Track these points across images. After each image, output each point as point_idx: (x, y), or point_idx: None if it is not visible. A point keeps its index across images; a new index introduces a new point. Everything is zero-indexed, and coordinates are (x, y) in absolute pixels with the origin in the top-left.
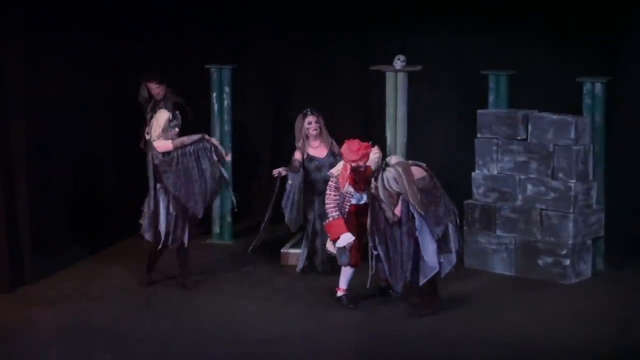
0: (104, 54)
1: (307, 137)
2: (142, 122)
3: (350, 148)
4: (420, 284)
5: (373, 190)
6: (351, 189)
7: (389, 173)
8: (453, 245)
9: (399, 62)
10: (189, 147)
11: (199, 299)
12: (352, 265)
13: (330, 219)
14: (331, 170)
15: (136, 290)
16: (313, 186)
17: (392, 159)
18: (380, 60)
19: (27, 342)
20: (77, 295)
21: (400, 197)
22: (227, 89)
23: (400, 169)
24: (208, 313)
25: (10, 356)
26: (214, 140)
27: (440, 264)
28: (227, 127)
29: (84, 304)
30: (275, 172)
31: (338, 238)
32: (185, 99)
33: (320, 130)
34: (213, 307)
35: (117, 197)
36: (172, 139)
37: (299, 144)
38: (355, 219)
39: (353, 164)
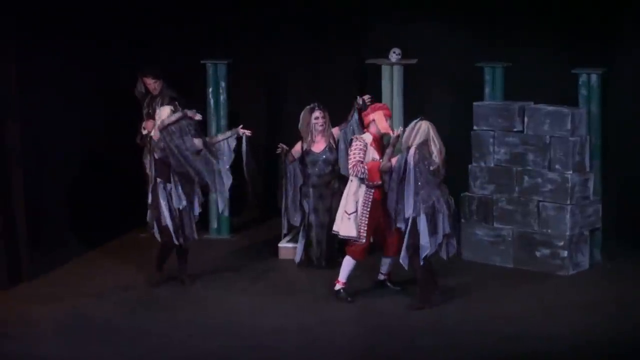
0: (99, 50)
1: (312, 131)
2: (139, 117)
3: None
4: (406, 263)
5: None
6: (377, 156)
7: (424, 124)
8: (441, 228)
9: (394, 55)
10: (171, 126)
11: (197, 293)
12: (355, 258)
13: (365, 170)
14: (355, 135)
15: (134, 286)
16: (308, 179)
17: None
18: (375, 54)
19: (25, 339)
20: (75, 292)
21: (404, 155)
22: (222, 84)
23: (433, 128)
24: (206, 307)
25: (8, 353)
26: (198, 116)
27: (429, 243)
28: (223, 122)
29: (82, 300)
30: (280, 148)
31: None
32: (181, 94)
33: (325, 125)
34: (211, 302)
35: (113, 193)
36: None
37: (307, 138)
38: (378, 209)
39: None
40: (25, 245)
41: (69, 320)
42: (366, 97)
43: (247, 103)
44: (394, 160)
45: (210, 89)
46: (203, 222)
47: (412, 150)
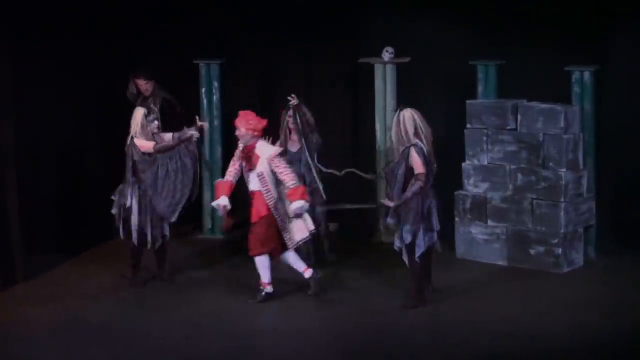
0: (92, 50)
1: (288, 130)
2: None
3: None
4: (407, 260)
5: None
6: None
7: (407, 113)
8: (435, 226)
9: (387, 54)
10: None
11: (190, 294)
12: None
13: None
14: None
15: (128, 288)
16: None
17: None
18: (368, 53)
19: (20, 341)
20: (69, 294)
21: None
22: (215, 84)
23: (416, 114)
24: (201, 308)
25: (3, 355)
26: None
27: (423, 241)
28: (216, 122)
29: (76, 302)
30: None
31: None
32: (174, 95)
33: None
34: (206, 302)
35: (107, 195)
36: (152, 134)
37: (281, 137)
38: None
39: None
40: (19, 247)
41: (63, 322)
42: (291, 98)
43: (241, 103)
44: (410, 191)
45: (203, 89)
46: (197, 222)
47: (413, 153)
